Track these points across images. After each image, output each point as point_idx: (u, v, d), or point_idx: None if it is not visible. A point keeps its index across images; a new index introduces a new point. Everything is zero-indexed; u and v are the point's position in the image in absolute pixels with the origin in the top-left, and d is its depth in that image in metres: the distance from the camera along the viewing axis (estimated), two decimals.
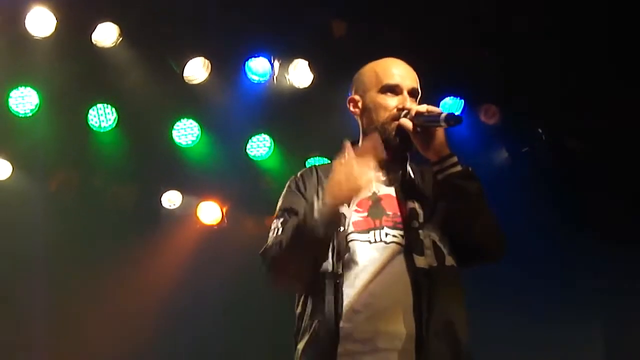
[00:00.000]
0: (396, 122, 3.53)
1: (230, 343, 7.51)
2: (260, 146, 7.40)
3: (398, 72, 3.64)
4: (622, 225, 7.13)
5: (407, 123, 3.49)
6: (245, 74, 7.00)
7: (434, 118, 3.43)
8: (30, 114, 6.72)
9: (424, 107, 3.50)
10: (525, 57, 6.80)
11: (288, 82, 7.03)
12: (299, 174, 3.67)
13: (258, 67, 7.02)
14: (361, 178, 3.29)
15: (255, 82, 7.02)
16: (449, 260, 3.47)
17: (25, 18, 6.34)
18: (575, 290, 7.30)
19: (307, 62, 6.97)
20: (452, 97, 7.20)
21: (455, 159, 3.48)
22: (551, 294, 7.31)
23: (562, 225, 7.29)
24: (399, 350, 3.32)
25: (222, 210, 7.55)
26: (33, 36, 6.39)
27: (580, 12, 6.43)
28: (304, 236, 3.32)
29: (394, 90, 3.60)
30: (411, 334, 3.32)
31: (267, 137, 7.39)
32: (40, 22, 6.37)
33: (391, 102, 3.58)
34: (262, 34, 6.85)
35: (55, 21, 6.37)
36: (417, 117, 3.48)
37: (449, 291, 3.42)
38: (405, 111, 3.52)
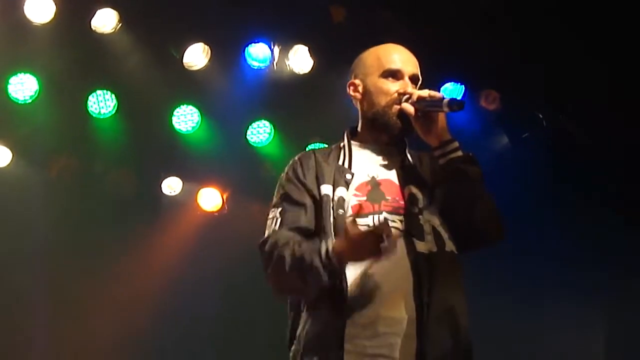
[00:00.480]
0: (397, 107, 3.54)
1: (231, 328, 7.51)
2: (260, 132, 7.39)
3: (400, 57, 3.66)
4: (623, 210, 7.13)
5: (408, 107, 3.50)
6: (245, 60, 6.99)
7: (436, 103, 3.45)
8: (30, 101, 6.72)
9: (425, 92, 3.52)
10: (527, 42, 6.78)
11: (288, 68, 7.01)
12: (297, 159, 3.67)
13: (258, 53, 7.01)
14: (380, 249, 3.25)
15: (255, 68, 7.01)
16: (449, 246, 3.48)
17: (24, 4, 6.33)
18: (575, 275, 7.30)
19: (307, 48, 6.96)
20: (452, 83, 7.19)
21: (456, 143, 3.51)
22: (551, 279, 7.31)
23: (562, 211, 7.28)
24: (399, 335, 3.33)
25: (222, 197, 7.55)
26: (32, 22, 6.38)
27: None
28: (305, 273, 3.33)
29: (396, 75, 3.61)
30: (412, 319, 3.34)
31: (267, 123, 7.37)
32: (40, 8, 6.37)
33: (392, 86, 3.59)
34: (262, 20, 6.84)
35: (55, 7, 6.36)
36: (419, 101, 3.50)
37: (449, 276, 3.44)
38: (406, 95, 3.53)
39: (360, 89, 3.68)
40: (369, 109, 3.64)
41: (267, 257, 3.45)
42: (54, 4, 6.35)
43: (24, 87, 6.70)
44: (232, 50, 6.98)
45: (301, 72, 7.03)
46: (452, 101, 3.40)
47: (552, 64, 6.84)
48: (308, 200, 3.53)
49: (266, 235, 3.53)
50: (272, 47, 6.95)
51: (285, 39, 6.98)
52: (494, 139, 7.50)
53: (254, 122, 7.36)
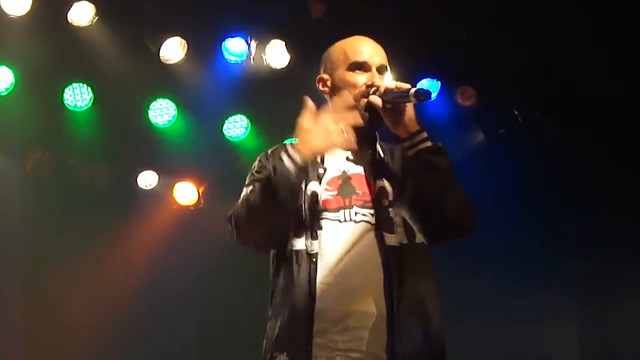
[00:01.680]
0: (365, 99, 3.53)
1: (206, 323, 7.52)
2: (236, 127, 7.40)
3: (366, 49, 3.64)
4: (597, 205, 7.17)
5: (376, 100, 3.49)
6: (222, 54, 6.98)
7: (403, 94, 3.44)
8: (6, 93, 6.68)
9: (392, 84, 3.51)
10: (503, 39, 6.81)
11: (265, 63, 7.01)
12: (269, 151, 3.68)
13: (235, 48, 7.00)
14: (334, 132, 3.32)
15: (232, 62, 7.01)
16: (419, 238, 3.48)
17: None
18: (550, 269, 7.36)
19: (284, 43, 6.96)
20: (428, 79, 7.22)
21: (425, 134, 3.48)
22: (527, 273, 7.35)
23: (537, 206, 7.32)
24: (370, 329, 3.35)
25: (198, 191, 7.55)
26: (8, 14, 6.33)
27: None
28: (274, 186, 3.31)
29: (363, 67, 3.60)
30: (382, 313, 3.36)
31: (243, 117, 7.39)
32: (16, 1, 6.32)
33: (360, 79, 3.58)
34: (239, 14, 6.83)
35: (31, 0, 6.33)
36: (386, 93, 3.48)
37: (419, 268, 3.45)
38: (374, 88, 3.52)
39: (328, 83, 3.68)
40: None
41: (238, 207, 3.44)
42: None
43: None
44: (208, 44, 6.97)
45: (278, 67, 7.03)
46: (420, 91, 3.39)
47: (527, 60, 6.87)
48: None
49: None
50: (249, 41, 6.95)
51: (262, 34, 6.97)
52: (470, 135, 7.53)
53: (231, 116, 7.37)
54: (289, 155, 3.32)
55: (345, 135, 3.32)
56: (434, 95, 7.07)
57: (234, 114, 7.37)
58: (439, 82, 7.23)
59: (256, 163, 3.68)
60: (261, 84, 7.05)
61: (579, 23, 6.54)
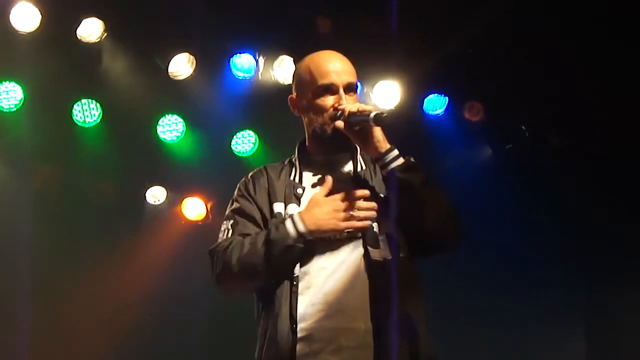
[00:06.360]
0: (333, 123, 3.55)
1: (213, 337, 7.51)
2: (245, 142, 7.41)
3: (332, 68, 3.63)
4: (603, 221, 7.17)
5: (340, 124, 3.51)
6: (230, 70, 7.01)
7: (364, 118, 3.45)
8: (15, 109, 6.69)
9: (355, 107, 3.51)
10: (510, 54, 6.82)
11: (273, 79, 7.03)
12: (249, 176, 3.73)
13: (243, 63, 7.03)
14: (343, 215, 3.36)
15: (240, 78, 7.03)
16: (404, 252, 3.47)
17: (10, 13, 6.32)
18: (556, 286, 7.34)
19: (292, 59, 6.98)
20: (436, 94, 7.23)
21: (395, 152, 3.49)
22: (532, 289, 7.35)
23: (544, 223, 7.32)
24: (360, 346, 3.35)
25: (206, 206, 7.56)
26: (18, 31, 6.36)
27: (566, 10, 6.48)
28: (273, 254, 3.38)
29: (330, 89, 3.60)
30: (370, 329, 3.35)
31: (252, 133, 7.40)
32: (25, 17, 6.34)
33: (328, 102, 3.59)
34: (247, 30, 6.85)
35: (40, 16, 6.34)
36: (350, 116, 3.49)
37: (405, 283, 3.43)
38: (339, 111, 3.53)
39: (298, 105, 3.72)
40: (309, 125, 3.69)
41: (222, 254, 3.51)
42: (39, 12, 6.33)
43: (8, 95, 6.67)
44: (217, 60, 6.99)
45: (286, 83, 7.04)
46: (378, 116, 3.40)
47: (534, 76, 6.89)
48: (259, 216, 3.58)
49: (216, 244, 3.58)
50: (257, 57, 6.97)
51: (270, 50, 7.00)
52: (477, 150, 7.53)
53: (239, 132, 7.38)
54: (294, 223, 3.38)
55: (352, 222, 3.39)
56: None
57: (242, 130, 7.38)
58: (447, 98, 7.25)
59: (237, 190, 3.74)
60: (269, 100, 7.05)
61: (587, 39, 6.56)
